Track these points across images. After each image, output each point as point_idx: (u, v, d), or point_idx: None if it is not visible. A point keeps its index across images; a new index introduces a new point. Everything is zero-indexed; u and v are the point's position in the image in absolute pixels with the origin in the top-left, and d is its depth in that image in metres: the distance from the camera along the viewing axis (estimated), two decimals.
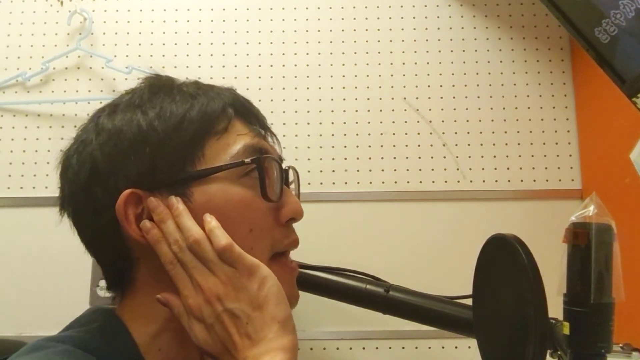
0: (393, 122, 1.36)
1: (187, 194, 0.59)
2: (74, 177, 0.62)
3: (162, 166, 0.59)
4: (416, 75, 1.38)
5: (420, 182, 1.34)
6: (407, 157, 1.35)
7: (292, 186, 0.71)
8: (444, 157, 1.35)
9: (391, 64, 1.39)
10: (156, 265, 0.59)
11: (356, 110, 1.37)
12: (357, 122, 1.36)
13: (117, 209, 0.58)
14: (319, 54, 1.39)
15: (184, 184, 0.59)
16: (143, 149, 0.59)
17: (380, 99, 1.37)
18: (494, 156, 1.35)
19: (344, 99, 1.37)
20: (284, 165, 0.67)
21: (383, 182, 1.34)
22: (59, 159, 0.66)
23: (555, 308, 0.66)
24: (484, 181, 1.34)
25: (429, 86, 1.38)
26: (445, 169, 1.35)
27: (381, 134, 1.36)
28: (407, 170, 1.35)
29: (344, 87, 1.38)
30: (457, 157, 1.35)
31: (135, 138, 0.60)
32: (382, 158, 1.35)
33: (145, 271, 0.62)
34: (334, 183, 1.34)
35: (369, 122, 1.36)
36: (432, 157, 1.35)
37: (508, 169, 1.34)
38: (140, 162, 0.59)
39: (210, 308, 0.56)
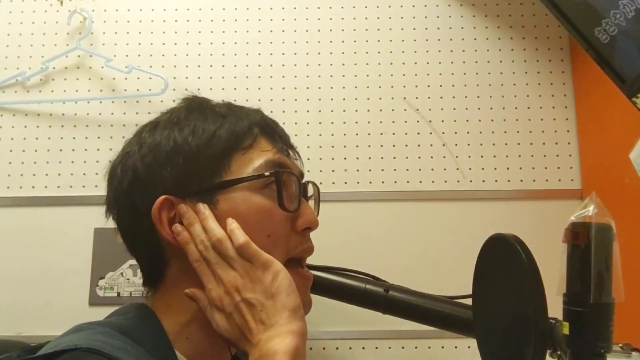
0: (393, 122, 1.36)
1: (213, 202, 0.68)
2: (117, 184, 0.71)
3: (193, 176, 0.68)
4: (416, 75, 1.38)
5: (420, 182, 1.34)
6: (406, 157, 1.35)
7: (312, 201, 0.79)
8: (444, 157, 1.35)
9: (391, 63, 1.39)
10: (185, 264, 0.67)
11: (356, 110, 1.37)
12: (356, 122, 1.36)
13: (153, 212, 0.67)
14: (319, 53, 1.39)
15: (211, 193, 0.68)
16: (177, 161, 0.68)
17: (380, 98, 1.37)
18: (494, 156, 1.35)
19: (344, 99, 1.37)
20: (305, 180, 0.77)
21: (383, 182, 1.34)
22: (106, 169, 0.75)
23: (555, 308, 0.66)
24: (483, 181, 1.34)
25: (428, 86, 1.38)
26: (445, 169, 1.35)
27: (381, 134, 1.36)
28: (407, 170, 1.35)
29: (343, 87, 1.38)
30: (456, 157, 1.35)
31: (171, 151, 0.69)
32: (382, 158, 1.35)
33: (175, 269, 0.70)
34: (333, 183, 1.34)
35: (368, 122, 1.36)
36: (431, 157, 1.35)
37: (508, 168, 1.34)
38: (175, 172, 0.68)
39: (230, 298, 0.63)
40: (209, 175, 0.68)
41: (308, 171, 1.36)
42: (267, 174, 0.69)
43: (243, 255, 0.64)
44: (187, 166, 0.68)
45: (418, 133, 1.36)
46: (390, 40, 1.40)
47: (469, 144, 1.35)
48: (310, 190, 0.80)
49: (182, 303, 0.68)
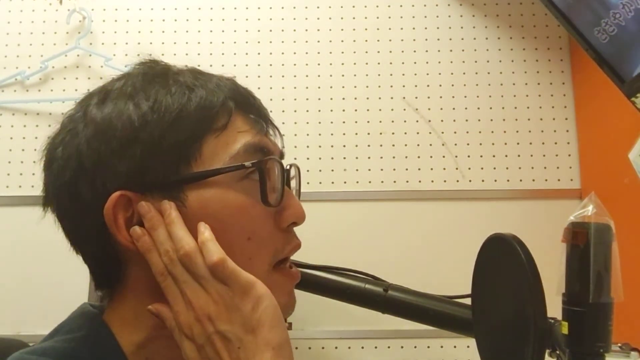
0: (392, 121, 1.36)
1: (181, 198, 0.54)
2: (58, 171, 0.57)
3: (154, 166, 0.54)
4: (415, 74, 1.38)
5: (420, 181, 1.34)
6: (406, 157, 1.35)
7: (293, 183, 0.66)
8: (443, 157, 1.35)
9: (390, 63, 1.39)
10: (147, 271, 0.54)
11: (355, 110, 1.37)
12: (356, 122, 1.36)
13: (106, 212, 0.53)
14: (318, 53, 1.39)
15: (178, 187, 0.54)
16: (134, 147, 0.53)
17: (380, 98, 1.37)
18: (493, 156, 1.35)
19: (343, 99, 1.37)
20: (285, 163, 0.62)
21: (382, 182, 1.34)
22: (43, 147, 0.61)
23: (554, 308, 0.66)
24: (483, 181, 1.34)
25: (428, 86, 1.38)
26: (444, 169, 1.35)
27: (380, 134, 1.36)
28: (406, 169, 1.35)
29: (343, 87, 1.38)
30: (456, 156, 1.35)
31: (126, 134, 0.54)
32: (381, 157, 1.35)
33: (135, 275, 0.57)
34: (332, 182, 1.34)
35: (368, 122, 1.36)
36: (431, 157, 1.35)
37: (507, 168, 1.34)
38: (131, 161, 0.53)
39: (201, 328, 0.51)
40: (175, 165, 0.54)
41: (307, 171, 1.37)
42: (248, 164, 0.55)
43: (217, 275, 0.51)
44: (147, 153, 0.53)
45: (417, 133, 1.36)
46: (390, 40, 1.40)
47: (468, 144, 1.35)
48: (292, 172, 0.65)
49: (139, 317, 0.56)
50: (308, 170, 1.34)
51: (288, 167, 0.63)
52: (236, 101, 0.59)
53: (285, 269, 0.60)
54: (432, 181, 1.34)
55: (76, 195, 0.55)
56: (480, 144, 1.35)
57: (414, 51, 1.39)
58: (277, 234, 0.58)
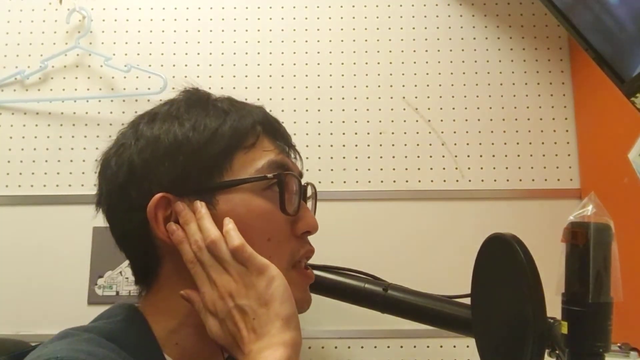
0: (392, 121, 1.36)
1: (212, 202, 0.65)
2: (111, 177, 0.68)
3: (192, 174, 0.65)
4: (415, 74, 1.38)
5: (419, 181, 1.34)
6: (405, 156, 1.35)
7: (310, 202, 0.78)
8: (443, 157, 1.35)
9: (390, 63, 1.39)
10: (179, 263, 0.64)
11: (355, 109, 1.37)
12: (355, 121, 1.36)
13: (149, 210, 0.64)
14: (318, 53, 1.39)
15: (210, 192, 0.65)
16: (177, 157, 0.65)
17: (379, 98, 1.37)
18: (493, 155, 1.35)
19: (343, 98, 1.37)
20: (304, 181, 0.74)
21: (382, 181, 1.34)
22: (98, 159, 0.72)
23: (554, 307, 0.66)
24: (482, 180, 1.34)
25: (427, 85, 1.38)
26: (444, 168, 1.35)
27: (380, 133, 1.36)
28: (406, 169, 1.35)
29: (342, 86, 1.38)
30: (455, 156, 1.35)
31: (171, 146, 0.66)
32: (381, 157, 1.35)
33: (169, 268, 0.67)
34: (332, 182, 1.34)
35: (367, 121, 1.36)
36: (430, 157, 1.35)
37: (507, 168, 1.34)
38: (173, 169, 0.65)
39: (223, 303, 0.60)
40: (210, 174, 0.66)
41: (307, 170, 1.36)
42: (270, 175, 0.67)
43: (237, 258, 0.61)
44: (187, 163, 0.65)
45: (417, 132, 1.36)
46: (390, 40, 1.40)
47: (467, 144, 1.35)
48: (309, 191, 0.78)
49: (172, 306, 0.66)
50: (307, 170, 1.33)
51: (306, 184, 0.75)
52: (264, 126, 0.71)
53: (301, 269, 0.70)
54: (432, 181, 1.34)
55: (126, 197, 0.66)
56: (480, 144, 1.35)
57: (414, 51, 1.39)
58: (292, 239, 0.69)
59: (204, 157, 0.66)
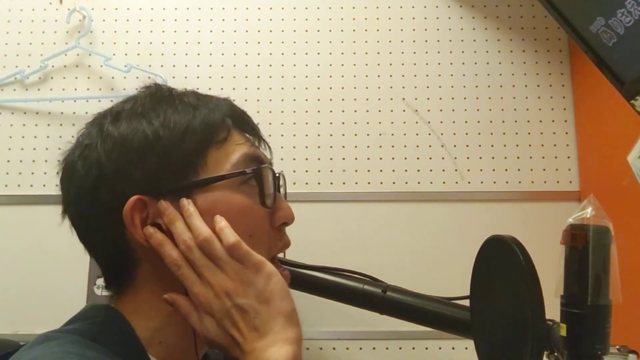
0: (392, 122, 1.36)
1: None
2: (79, 181, 0.64)
3: (167, 174, 0.62)
4: (415, 76, 1.38)
5: (419, 182, 1.34)
6: (405, 158, 1.35)
7: (281, 190, 0.75)
8: (443, 158, 1.35)
9: (390, 64, 1.39)
10: (158, 265, 0.62)
11: (355, 111, 1.37)
12: (355, 123, 1.36)
13: (125, 214, 0.61)
14: (318, 54, 1.39)
15: (187, 191, 0.63)
16: (149, 157, 0.62)
17: (379, 99, 1.37)
18: (492, 157, 1.35)
19: (343, 99, 1.37)
20: (277, 171, 0.71)
21: (381, 183, 1.34)
22: (60, 163, 0.68)
23: (553, 310, 0.66)
24: (482, 182, 1.34)
25: (427, 87, 1.38)
26: (443, 170, 1.35)
27: (380, 135, 1.36)
28: (406, 170, 1.35)
29: (342, 88, 1.38)
30: (455, 158, 1.35)
31: (142, 146, 0.63)
32: (381, 158, 1.35)
33: (147, 270, 0.65)
34: (332, 183, 1.34)
35: (367, 123, 1.36)
36: (430, 158, 1.35)
37: (506, 170, 1.34)
38: (147, 169, 0.62)
39: (220, 303, 0.59)
40: (185, 172, 0.63)
41: (306, 171, 1.37)
42: (249, 171, 0.65)
43: (234, 255, 0.59)
44: (160, 163, 0.62)
45: (417, 134, 1.36)
46: (390, 41, 1.40)
47: (467, 145, 1.35)
48: (280, 180, 0.75)
49: (154, 306, 0.64)
50: (307, 171, 1.34)
51: (278, 174, 0.72)
52: (233, 118, 0.69)
53: (279, 267, 0.67)
54: (431, 182, 1.34)
55: (96, 201, 0.63)
56: (480, 146, 1.35)
57: (414, 52, 1.39)
58: (271, 232, 0.67)
59: (178, 155, 0.63)
